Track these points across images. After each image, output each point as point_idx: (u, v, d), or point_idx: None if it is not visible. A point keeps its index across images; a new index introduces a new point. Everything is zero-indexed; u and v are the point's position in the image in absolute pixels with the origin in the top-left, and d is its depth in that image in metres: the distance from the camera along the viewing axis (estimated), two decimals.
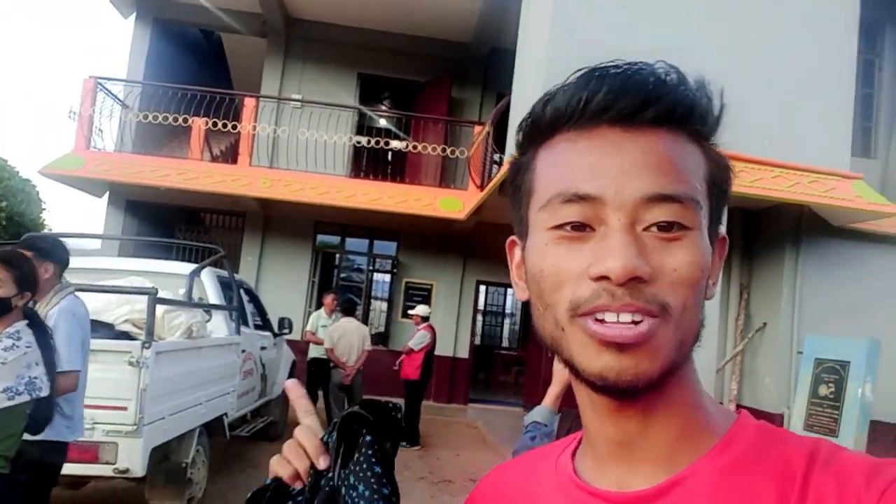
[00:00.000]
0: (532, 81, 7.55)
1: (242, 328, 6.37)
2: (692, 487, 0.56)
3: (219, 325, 5.73)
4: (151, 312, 3.92)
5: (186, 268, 5.45)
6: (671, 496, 0.56)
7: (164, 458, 4.50)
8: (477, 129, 10.39)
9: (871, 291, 7.45)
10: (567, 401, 1.72)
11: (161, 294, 4.70)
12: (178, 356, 4.30)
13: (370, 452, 0.72)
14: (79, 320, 2.93)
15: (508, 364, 16.07)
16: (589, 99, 0.57)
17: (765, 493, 0.53)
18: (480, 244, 11.87)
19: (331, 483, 0.71)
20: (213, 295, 5.85)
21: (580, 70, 0.59)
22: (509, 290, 17.69)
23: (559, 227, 0.57)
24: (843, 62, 7.29)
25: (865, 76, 9.39)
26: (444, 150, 10.60)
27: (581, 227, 0.56)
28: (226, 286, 6.16)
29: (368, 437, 0.73)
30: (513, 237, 0.69)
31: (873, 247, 7.64)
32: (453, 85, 11.87)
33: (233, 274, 6.07)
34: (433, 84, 11.92)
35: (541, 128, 0.61)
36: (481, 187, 9.72)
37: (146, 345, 3.83)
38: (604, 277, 0.53)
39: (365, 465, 0.71)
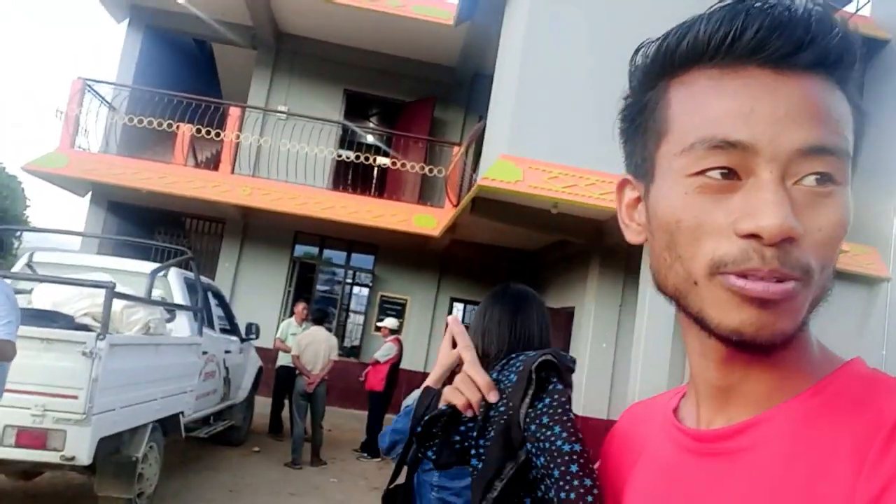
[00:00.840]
0: (503, 104, 7.81)
1: (207, 331, 6.49)
2: (768, 430, 0.55)
3: (182, 326, 5.86)
4: (108, 306, 4.06)
5: (154, 267, 5.59)
6: (746, 436, 0.56)
7: (114, 450, 4.60)
8: (455, 149, 10.63)
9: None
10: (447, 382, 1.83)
11: (122, 291, 4.86)
12: (134, 350, 4.44)
13: (563, 400, 0.79)
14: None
15: None
16: (738, 35, 0.52)
17: (842, 444, 0.50)
18: (455, 261, 12.07)
19: (505, 416, 0.78)
20: (179, 295, 5.98)
21: (721, 1, 0.55)
22: None
23: (702, 173, 0.53)
24: None
25: None
26: (423, 168, 10.82)
27: (728, 176, 0.52)
28: (194, 288, 6.29)
29: (559, 386, 0.81)
30: (626, 176, 0.66)
31: None
32: (437, 106, 12.15)
33: (198, 276, 6.21)
34: (417, 104, 12.19)
35: (674, 61, 0.56)
36: (457, 206, 9.93)
37: (101, 336, 3.97)
38: (754, 236, 0.49)
39: (560, 410, 0.78)
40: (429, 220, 10.52)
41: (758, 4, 0.52)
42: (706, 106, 0.53)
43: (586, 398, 8.20)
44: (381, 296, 12.20)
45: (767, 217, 0.49)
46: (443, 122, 12.44)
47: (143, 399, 4.67)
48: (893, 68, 8.83)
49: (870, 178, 8.87)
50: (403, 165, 10.73)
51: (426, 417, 0.76)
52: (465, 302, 14.61)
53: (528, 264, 11.97)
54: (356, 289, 13.30)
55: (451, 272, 12.24)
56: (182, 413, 5.57)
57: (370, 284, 12.40)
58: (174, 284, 6.01)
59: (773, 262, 0.49)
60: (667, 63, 0.57)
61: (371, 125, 13.86)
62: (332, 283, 13.09)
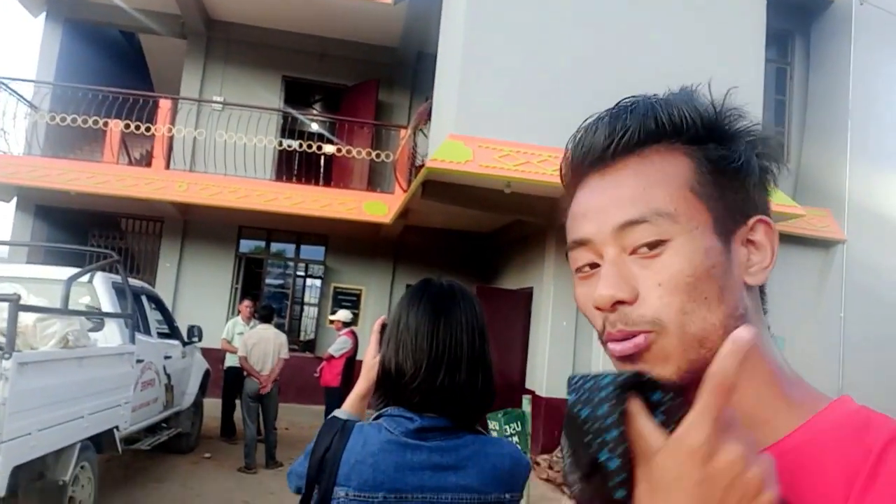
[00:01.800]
0: (449, 83, 7.49)
1: (143, 337, 6.06)
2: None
3: (112, 334, 5.41)
4: (12, 320, 3.62)
5: (71, 274, 5.12)
6: None
7: (37, 476, 4.18)
8: (402, 132, 10.27)
9: (783, 291, 7.66)
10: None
11: (41, 302, 4.40)
12: (49, 367, 4.00)
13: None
14: None
15: None
16: (573, 155, 0.67)
17: (832, 475, 0.53)
18: (409, 248, 11.75)
19: None
20: (107, 302, 5.53)
21: (577, 131, 0.68)
22: None
23: (578, 269, 0.65)
24: (750, 73, 7.45)
25: (778, 84, 9.68)
26: (370, 153, 10.43)
27: (595, 266, 0.63)
28: (125, 293, 5.83)
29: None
30: None
31: (786, 248, 7.85)
32: (381, 89, 11.74)
33: (126, 280, 5.75)
34: (360, 88, 11.75)
35: (570, 182, 0.70)
36: (407, 191, 9.60)
37: (6, 355, 3.53)
38: (600, 308, 0.60)
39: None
40: (379, 207, 10.16)
41: (587, 121, 0.67)
42: (569, 216, 0.67)
43: (549, 378, 8.02)
44: (335, 287, 11.80)
45: (598, 290, 0.60)
46: (388, 104, 12.04)
47: (67, 418, 4.24)
48: (838, 28, 8.81)
49: (821, 140, 8.87)
50: (349, 152, 10.31)
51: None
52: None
53: (485, 247, 11.74)
54: (308, 281, 12.87)
55: (405, 259, 11.91)
56: (117, 427, 5.14)
57: (322, 276, 11.99)
58: (101, 291, 5.54)
59: (618, 325, 0.59)
60: (564, 184, 0.71)
61: (314, 112, 13.35)
62: (282, 277, 12.64)
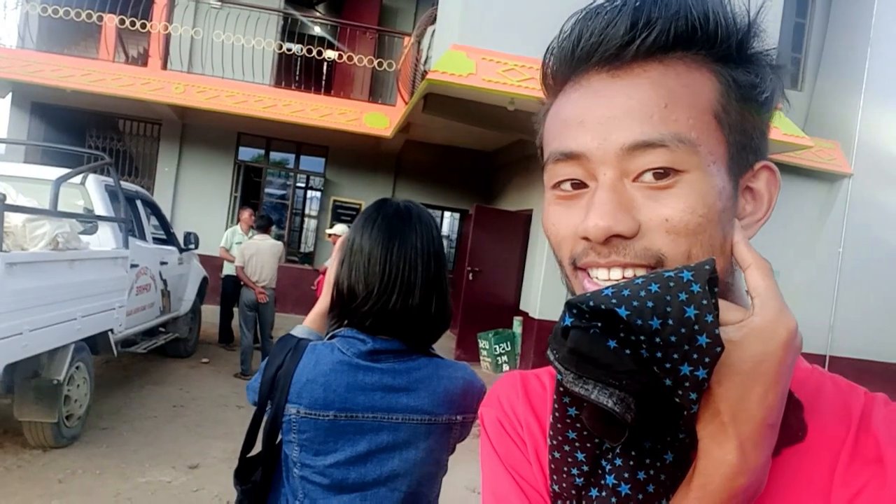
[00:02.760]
0: None
1: (138, 242, 6.04)
2: None
3: (105, 238, 5.39)
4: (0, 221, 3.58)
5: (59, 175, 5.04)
6: None
7: (32, 374, 4.27)
8: (406, 40, 9.89)
9: (783, 223, 7.58)
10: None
11: (31, 202, 4.34)
12: (39, 268, 3.98)
13: None
14: None
15: None
16: (575, 45, 0.55)
17: (816, 443, 0.52)
18: (410, 164, 11.59)
19: None
20: (101, 206, 5.46)
21: (574, 14, 0.56)
22: (446, 214, 17.53)
23: (556, 186, 0.57)
24: None
25: (799, 5, 9.23)
26: (372, 62, 10.09)
27: (580, 185, 0.55)
28: (123, 197, 5.77)
29: None
30: None
31: (790, 179, 7.71)
32: None
33: (119, 183, 5.67)
34: None
35: (549, 81, 0.60)
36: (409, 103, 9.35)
37: None
38: (588, 239, 0.53)
39: None
40: (380, 120, 9.93)
41: (602, 7, 0.55)
42: (557, 120, 0.57)
43: (542, 301, 8.08)
44: (334, 200, 11.72)
45: (590, 220, 0.52)
46: (393, 9, 11.55)
47: (60, 319, 4.27)
48: None
49: (837, 69, 8.55)
50: (351, 59, 9.97)
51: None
52: (423, 206, 14.26)
53: (487, 166, 11.57)
54: (309, 193, 12.78)
55: (406, 175, 11.77)
56: (112, 331, 5.21)
57: (322, 189, 11.89)
58: (94, 193, 5.47)
59: (611, 256, 0.52)
60: (546, 83, 0.61)
61: (317, 14, 12.84)
62: (282, 188, 12.54)
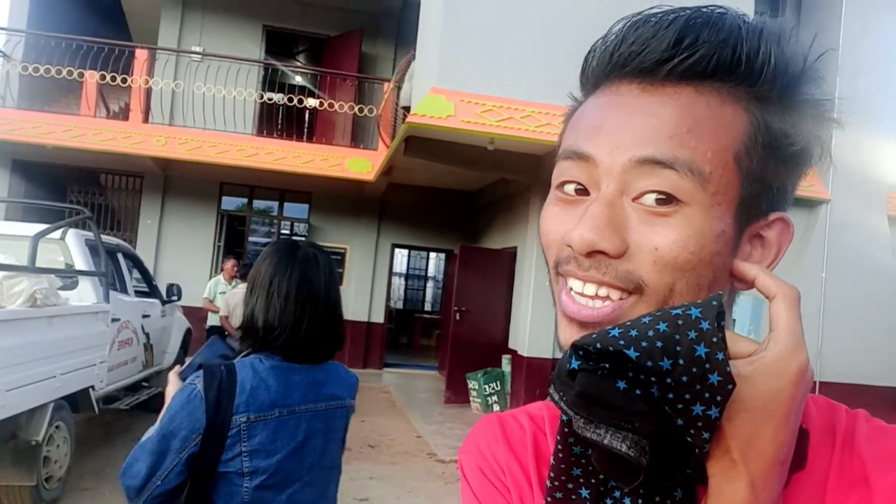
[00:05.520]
0: (431, 33, 7.27)
1: (119, 295, 5.96)
2: None
3: (86, 293, 5.32)
4: None
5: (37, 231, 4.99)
6: None
7: (10, 436, 4.14)
8: (386, 85, 10.04)
9: None
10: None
11: (9, 259, 4.29)
12: (17, 326, 3.90)
13: None
14: None
15: (430, 327, 16.02)
16: (613, 51, 0.54)
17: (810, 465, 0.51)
18: (394, 206, 11.64)
19: None
20: (81, 260, 5.40)
21: (625, 18, 0.55)
22: (432, 254, 17.55)
23: (559, 186, 0.56)
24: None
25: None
26: (353, 108, 10.21)
27: (582, 192, 0.54)
28: (103, 251, 5.72)
29: None
30: None
31: None
32: (364, 39, 11.42)
33: (99, 236, 5.63)
34: (342, 38, 11.43)
35: (585, 80, 0.58)
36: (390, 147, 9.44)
37: None
38: (571, 247, 0.52)
39: None
40: (363, 164, 10.00)
41: (649, 18, 0.52)
42: (580, 119, 0.56)
43: (531, 338, 8.03)
44: None
45: (577, 230, 0.50)
46: (372, 56, 11.75)
47: (38, 378, 4.16)
48: None
49: None
50: (332, 106, 10.08)
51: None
52: (408, 247, 14.29)
53: (470, 205, 11.64)
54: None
55: (390, 218, 11.81)
56: (93, 387, 5.09)
57: (306, 235, 11.88)
58: (74, 248, 5.41)
59: (590, 270, 0.51)
60: (583, 85, 0.59)
61: (297, 64, 13.02)
62: (265, 235, 12.51)
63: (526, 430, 0.64)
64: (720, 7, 0.52)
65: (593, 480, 0.49)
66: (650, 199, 0.50)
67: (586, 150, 0.53)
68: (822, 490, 0.51)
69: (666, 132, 0.50)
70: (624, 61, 0.53)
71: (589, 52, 0.57)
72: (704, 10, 0.52)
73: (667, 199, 0.50)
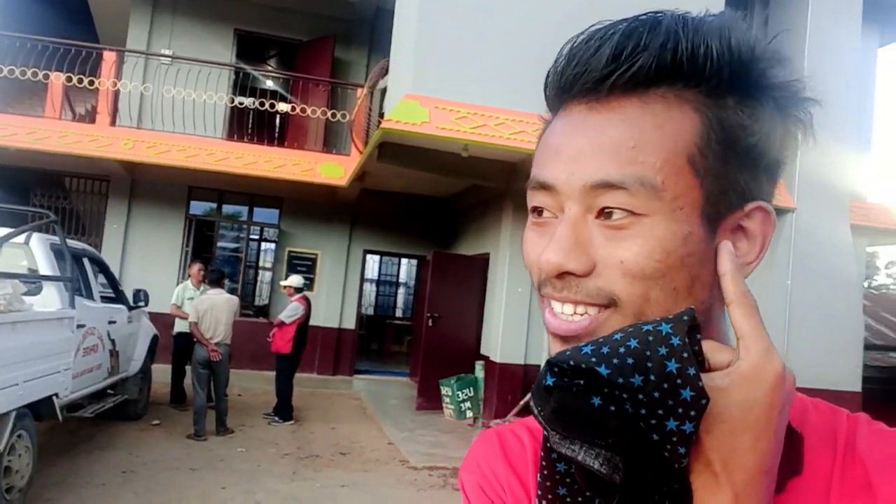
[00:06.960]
0: (406, 40, 7.27)
1: (85, 301, 5.83)
2: None
3: (50, 298, 5.19)
4: None
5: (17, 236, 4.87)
6: None
7: None
8: (359, 91, 10.01)
9: None
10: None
11: None
12: None
13: None
14: None
15: (401, 333, 15.99)
16: (561, 74, 0.54)
17: (809, 471, 0.52)
18: (367, 212, 11.60)
19: None
20: (45, 265, 5.28)
21: (572, 38, 0.54)
22: (403, 260, 17.50)
23: (533, 210, 0.57)
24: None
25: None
26: (325, 113, 10.15)
27: (554, 216, 0.55)
28: (69, 256, 5.59)
29: None
30: None
31: None
32: (337, 45, 11.39)
33: (65, 241, 5.50)
34: (315, 43, 11.38)
35: (548, 105, 0.59)
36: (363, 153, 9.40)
37: None
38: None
39: None
40: (335, 170, 9.94)
41: (592, 35, 0.52)
42: (543, 145, 0.57)
43: (503, 344, 8.05)
44: (290, 251, 11.60)
45: (544, 254, 0.52)
46: (345, 62, 11.71)
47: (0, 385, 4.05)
48: None
49: None
50: (304, 111, 10.01)
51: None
52: (381, 253, 14.23)
53: (443, 212, 11.64)
54: (263, 245, 12.62)
55: (362, 223, 11.76)
56: (56, 395, 4.96)
57: (277, 240, 11.77)
58: (38, 253, 5.29)
59: (563, 291, 0.52)
60: (548, 107, 0.59)
61: (268, 68, 12.91)
62: (235, 241, 12.36)
63: (526, 446, 0.64)
64: (660, 12, 0.52)
65: (580, 499, 0.50)
66: (610, 215, 0.51)
67: (545, 180, 0.54)
68: (825, 496, 0.51)
69: (613, 151, 0.50)
70: (570, 84, 0.53)
71: (546, 76, 0.57)
72: (643, 17, 0.52)
73: (627, 212, 0.50)
